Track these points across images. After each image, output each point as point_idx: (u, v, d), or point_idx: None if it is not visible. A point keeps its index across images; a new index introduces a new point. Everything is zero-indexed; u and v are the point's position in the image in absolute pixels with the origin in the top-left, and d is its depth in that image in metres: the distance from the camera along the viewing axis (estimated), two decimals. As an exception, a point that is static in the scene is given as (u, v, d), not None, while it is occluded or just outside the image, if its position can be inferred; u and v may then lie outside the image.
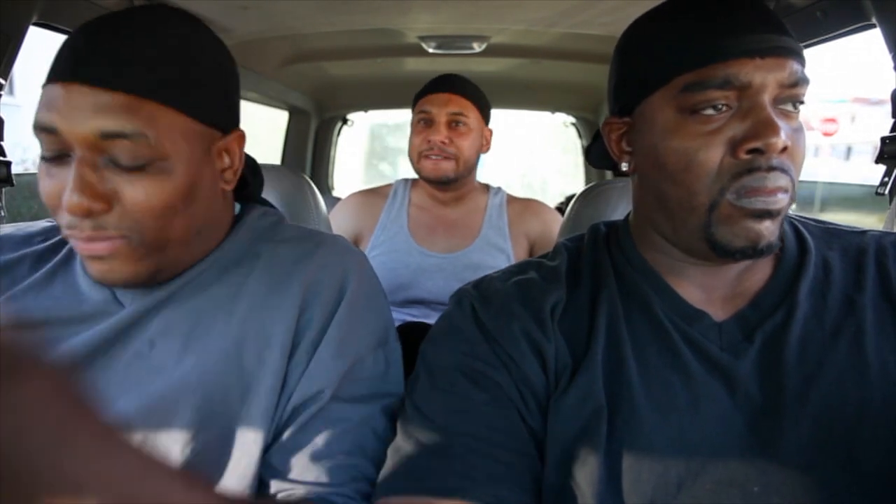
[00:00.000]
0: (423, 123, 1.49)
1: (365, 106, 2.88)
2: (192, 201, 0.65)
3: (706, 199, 0.59)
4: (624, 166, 0.69)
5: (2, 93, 0.95)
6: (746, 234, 0.58)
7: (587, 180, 2.92)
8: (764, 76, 0.57)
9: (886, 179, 0.96)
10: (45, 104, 0.60)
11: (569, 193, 2.89)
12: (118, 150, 0.59)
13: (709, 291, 0.66)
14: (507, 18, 1.46)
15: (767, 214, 0.58)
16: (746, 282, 0.66)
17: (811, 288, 0.64)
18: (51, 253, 0.74)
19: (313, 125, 2.79)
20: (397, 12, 1.40)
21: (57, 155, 0.60)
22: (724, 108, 0.58)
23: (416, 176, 1.58)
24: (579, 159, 2.99)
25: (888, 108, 0.95)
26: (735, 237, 0.59)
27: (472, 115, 1.49)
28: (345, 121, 2.93)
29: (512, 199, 1.63)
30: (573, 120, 2.89)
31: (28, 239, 0.76)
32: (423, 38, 1.64)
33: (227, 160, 0.70)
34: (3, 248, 0.74)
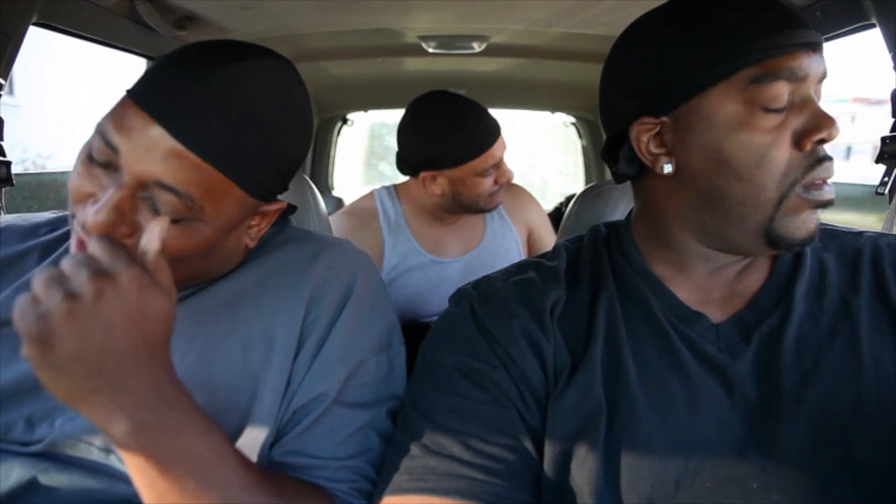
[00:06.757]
0: (492, 169, 1.44)
1: (365, 106, 2.88)
2: (210, 254, 0.65)
3: (775, 193, 0.59)
4: (667, 168, 0.63)
5: (2, 93, 0.95)
6: (807, 227, 0.60)
7: (587, 180, 2.92)
8: (815, 70, 0.59)
9: (886, 179, 0.96)
10: (119, 121, 0.58)
11: (569, 194, 2.88)
12: (162, 199, 0.58)
13: (706, 293, 0.66)
14: (507, 18, 1.45)
15: (823, 205, 0.60)
16: (743, 283, 0.66)
17: (807, 289, 0.64)
18: (57, 244, 0.74)
19: (313, 125, 2.78)
20: (397, 12, 1.40)
21: (106, 162, 0.59)
22: (788, 103, 0.59)
23: (393, 184, 1.56)
24: (579, 159, 2.98)
25: (888, 108, 0.95)
26: (797, 229, 0.60)
27: None
28: (345, 120, 2.93)
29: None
30: (573, 120, 2.89)
31: (34, 230, 0.75)
32: (422, 38, 1.64)
33: (259, 220, 0.70)
34: (9, 240, 0.73)
